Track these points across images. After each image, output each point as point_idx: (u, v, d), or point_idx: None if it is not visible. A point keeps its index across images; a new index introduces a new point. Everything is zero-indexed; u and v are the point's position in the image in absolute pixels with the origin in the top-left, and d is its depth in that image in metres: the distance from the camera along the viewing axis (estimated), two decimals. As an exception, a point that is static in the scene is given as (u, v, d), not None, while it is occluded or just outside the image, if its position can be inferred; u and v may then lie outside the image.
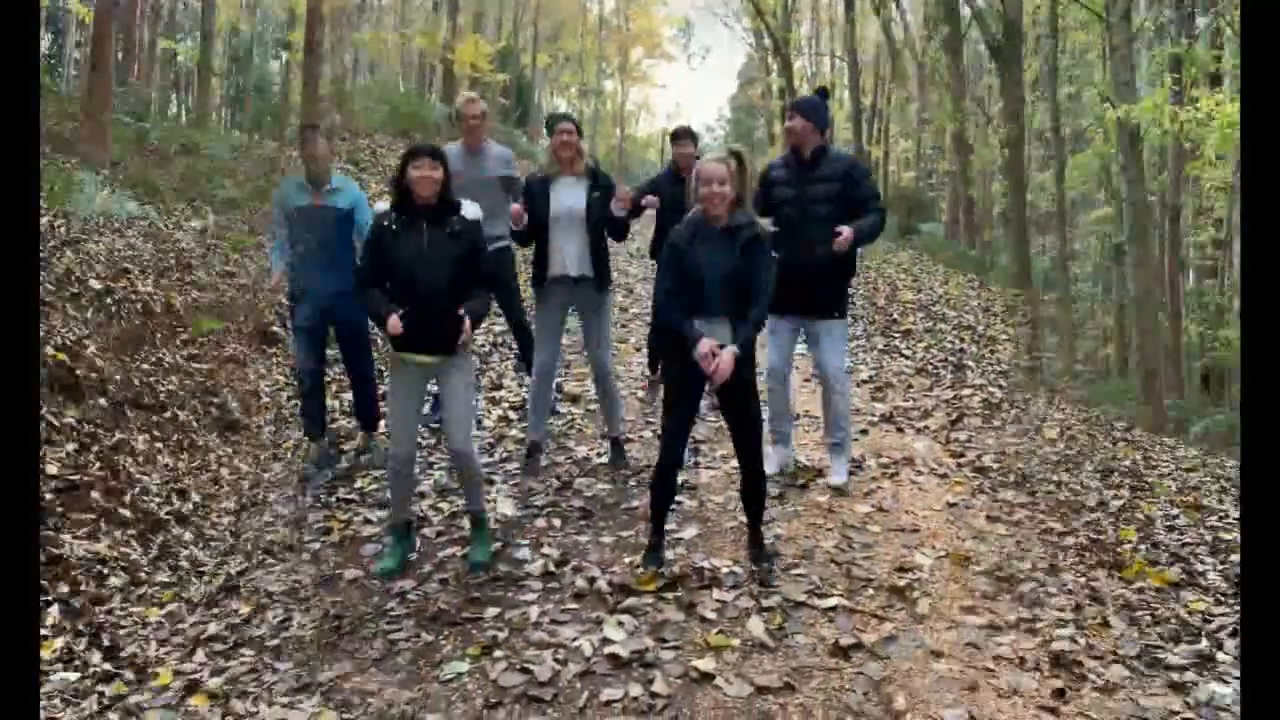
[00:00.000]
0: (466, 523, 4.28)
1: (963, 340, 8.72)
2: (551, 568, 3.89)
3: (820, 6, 41.88)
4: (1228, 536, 5.29)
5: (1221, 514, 5.79)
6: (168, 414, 6.73)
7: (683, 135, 6.31)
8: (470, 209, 4.01)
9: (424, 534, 4.76)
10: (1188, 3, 18.14)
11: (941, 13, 18.71)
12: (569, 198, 4.97)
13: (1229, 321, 18.64)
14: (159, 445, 6.37)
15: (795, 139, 4.94)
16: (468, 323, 3.82)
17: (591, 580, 3.74)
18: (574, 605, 3.60)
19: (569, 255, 4.96)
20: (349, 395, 6.24)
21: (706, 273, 3.68)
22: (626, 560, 3.92)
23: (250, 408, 7.75)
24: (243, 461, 6.97)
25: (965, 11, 18.18)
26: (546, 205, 4.95)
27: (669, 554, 3.94)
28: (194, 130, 18.87)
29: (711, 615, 3.47)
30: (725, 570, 3.79)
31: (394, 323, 3.73)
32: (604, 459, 5.25)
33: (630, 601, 3.54)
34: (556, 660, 3.48)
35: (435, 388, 4.44)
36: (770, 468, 5.24)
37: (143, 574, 5.03)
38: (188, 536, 5.61)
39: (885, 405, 6.35)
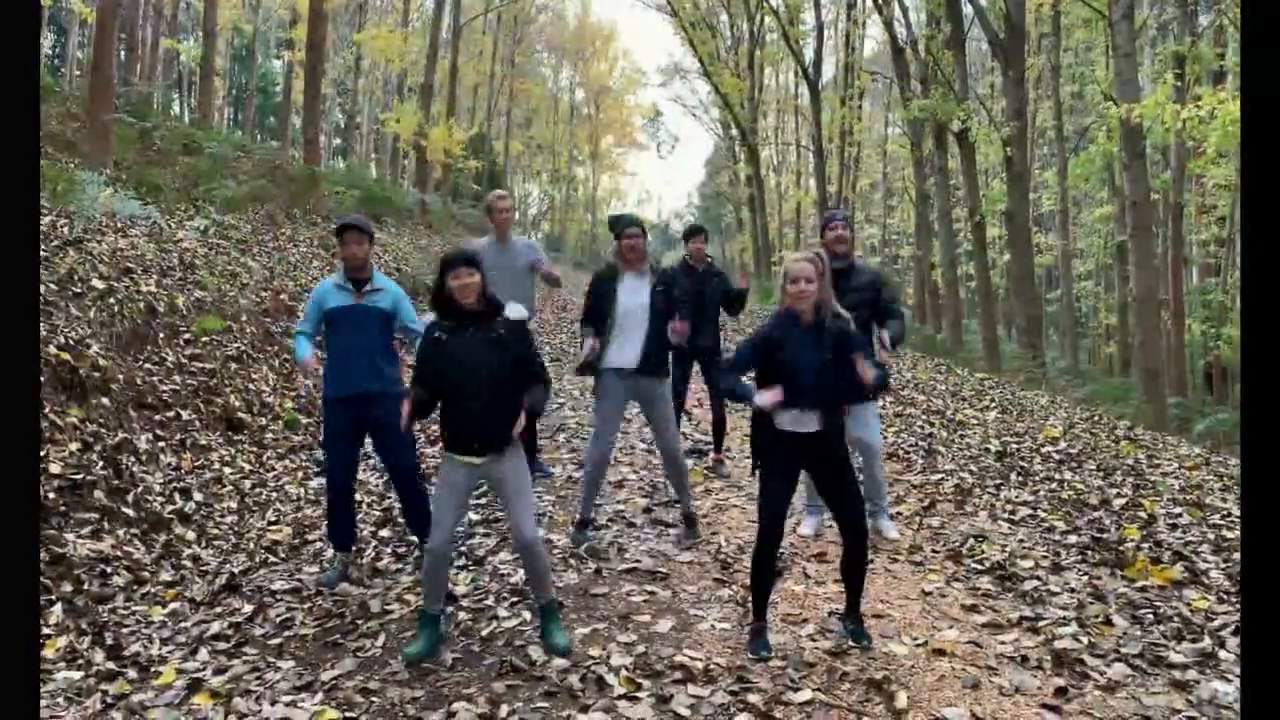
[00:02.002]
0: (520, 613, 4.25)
1: (932, 425, 8.69)
2: (521, 663, 3.84)
3: (786, 98, 42.74)
4: (1230, 535, 5.28)
5: (1224, 512, 5.79)
6: (170, 413, 6.75)
7: (696, 232, 6.83)
8: (514, 310, 4.10)
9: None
10: (1190, 1, 18.10)
11: (944, 11, 18.69)
12: (635, 295, 5.19)
13: (1232, 320, 18.62)
14: (162, 445, 6.38)
15: (844, 247, 5.33)
16: (522, 415, 3.93)
17: (563, 675, 3.70)
18: (544, 704, 3.55)
19: (633, 349, 5.15)
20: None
21: (800, 368, 3.82)
22: (594, 653, 3.86)
23: (253, 407, 7.76)
24: (245, 461, 6.98)
25: (968, 10, 18.17)
26: (614, 301, 5.18)
27: (641, 648, 3.90)
28: (196, 130, 18.89)
29: (685, 712, 3.43)
30: (700, 665, 3.75)
31: (406, 407, 3.86)
32: (577, 546, 5.20)
33: (602, 701, 3.50)
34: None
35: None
36: (807, 530, 5.45)
37: (146, 573, 5.04)
38: (190, 535, 5.62)
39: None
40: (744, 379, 3.97)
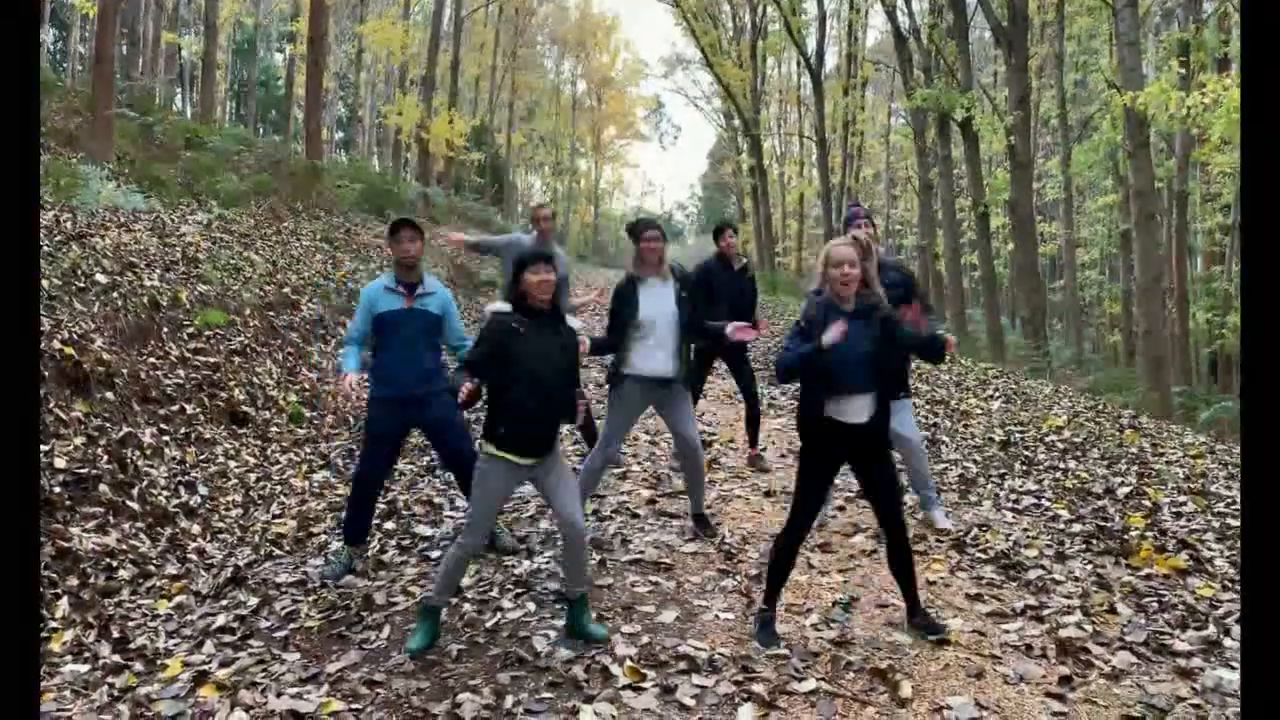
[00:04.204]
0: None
1: (936, 415, 8.66)
2: (526, 655, 3.83)
3: (788, 88, 42.66)
4: (1235, 523, 5.27)
5: (1229, 500, 5.78)
6: (175, 407, 6.76)
7: (725, 227, 6.85)
8: (573, 321, 4.11)
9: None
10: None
11: (947, -1, 18.66)
12: (658, 301, 5.05)
13: (1237, 308, 18.55)
14: (166, 438, 6.39)
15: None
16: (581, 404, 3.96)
17: (568, 666, 3.70)
18: (548, 694, 3.55)
19: (657, 356, 5.01)
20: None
21: (846, 356, 3.76)
22: (598, 645, 3.86)
23: (256, 401, 7.77)
24: (249, 454, 7.00)
25: (971, -2, 18.13)
26: (635, 308, 5.02)
27: (646, 638, 3.90)
28: (198, 124, 18.89)
29: (690, 702, 3.43)
30: (704, 655, 3.75)
31: (465, 390, 3.75)
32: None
33: (607, 691, 3.50)
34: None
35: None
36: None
37: (151, 566, 5.06)
38: (195, 529, 5.63)
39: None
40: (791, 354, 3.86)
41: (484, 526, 3.90)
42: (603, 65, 55.70)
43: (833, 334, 3.66)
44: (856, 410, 3.81)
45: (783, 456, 7.07)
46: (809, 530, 3.96)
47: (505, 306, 3.96)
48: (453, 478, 5.54)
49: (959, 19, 18.53)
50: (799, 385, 3.98)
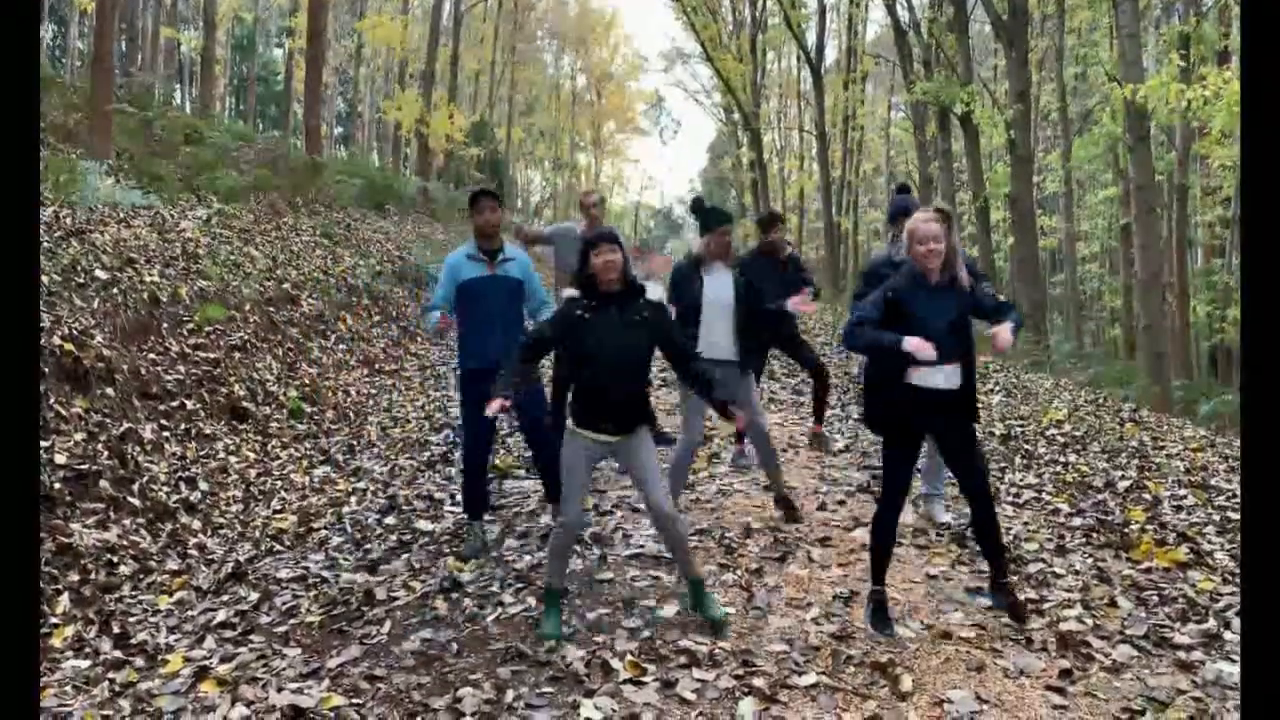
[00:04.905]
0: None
1: None
2: (526, 649, 3.84)
3: (789, 82, 42.59)
4: (1235, 516, 5.27)
5: (1229, 494, 5.78)
6: (175, 403, 6.76)
7: (775, 220, 6.69)
8: (653, 290, 4.14)
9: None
10: (1195, -20, 17.98)
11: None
12: (720, 287, 5.18)
13: (1237, 301, 18.55)
14: (167, 434, 6.40)
15: None
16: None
17: (568, 661, 3.71)
18: (549, 689, 3.56)
19: (718, 339, 5.14)
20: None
21: (931, 325, 3.81)
22: (599, 639, 3.86)
23: (257, 396, 7.78)
24: (250, 450, 7.00)
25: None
26: (699, 292, 5.15)
27: (646, 633, 3.90)
28: (198, 119, 18.86)
29: (691, 696, 3.43)
30: (705, 650, 3.75)
31: (495, 406, 3.81)
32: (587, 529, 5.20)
33: (608, 685, 3.50)
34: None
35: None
36: (943, 517, 5.40)
37: (152, 562, 5.06)
38: (196, 525, 5.64)
39: (863, 475, 6.33)
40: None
41: (576, 502, 3.95)
42: (602, 60, 55.64)
43: (914, 344, 3.70)
44: (943, 378, 3.85)
45: (782, 451, 7.06)
46: (903, 506, 4.01)
47: (575, 292, 4.00)
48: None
49: (959, 12, 18.49)
50: (868, 361, 4.08)
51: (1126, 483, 6.06)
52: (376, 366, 10.62)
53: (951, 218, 3.94)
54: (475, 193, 5.02)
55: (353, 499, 6.23)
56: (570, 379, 4.07)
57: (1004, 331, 3.80)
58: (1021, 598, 4.09)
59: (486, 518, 5.51)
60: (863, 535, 5.16)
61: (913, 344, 3.71)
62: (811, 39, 29.54)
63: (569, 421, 3.98)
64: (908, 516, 5.46)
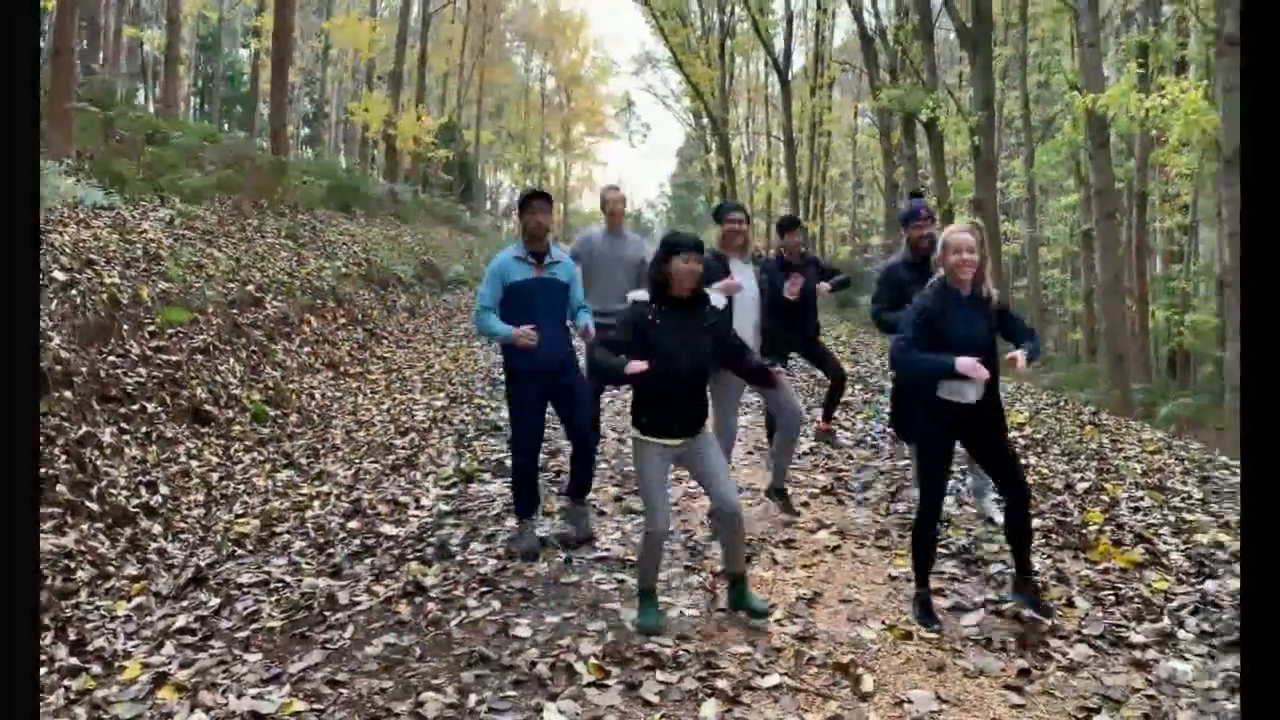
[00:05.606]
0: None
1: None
2: (490, 653, 3.83)
3: (756, 88, 42.93)
4: (1190, 517, 5.37)
5: (1184, 495, 5.88)
6: (135, 406, 6.67)
7: (793, 224, 6.53)
8: (717, 299, 4.24)
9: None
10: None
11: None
12: (743, 280, 5.21)
13: (1195, 306, 18.89)
14: (127, 438, 6.31)
15: (930, 241, 5.29)
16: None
17: (532, 664, 3.72)
18: (513, 693, 3.52)
19: (744, 332, 5.12)
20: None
21: (969, 340, 3.90)
22: (563, 642, 3.87)
23: (219, 399, 7.69)
24: (212, 453, 6.92)
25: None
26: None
27: (611, 636, 3.91)
28: (161, 119, 18.61)
29: (654, 699, 3.44)
30: (669, 652, 3.76)
31: (634, 365, 3.79)
32: (546, 530, 5.20)
33: (571, 689, 3.50)
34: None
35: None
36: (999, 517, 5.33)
37: (110, 567, 4.99)
38: (156, 529, 5.57)
39: (826, 477, 6.38)
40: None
41: (664, 508, 3.97)
42: (572, 63, 55.60)
43: (972, 370, 3.78)
44: (971, 391, 3.95)
45: (750, 453, 7.10)
46: (942, 509, 4.14)
47: (644, 295, 4.02)
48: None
49: (924, 20, 18.71)
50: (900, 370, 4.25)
51: (1085, 485, 6.15)
52: (342, 369, 10.54)
53: (984, 230, 4.03)
54: (526, 194, 5.02)
55: (316, 503, 6.18)
56: (633, 387, 4.07)
57: (1021, 358, 3.95)
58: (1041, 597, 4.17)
59: (451, 522, 5.50)
60: (826, 537, 5.20)
61: (965, 365, 3.79)
62: (779, 45, 29.76)
63: (635, 432, 4.01)
64: (861, 516, 5.52)
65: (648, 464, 3.96)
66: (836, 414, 7.50)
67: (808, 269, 6.37)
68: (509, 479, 6.25)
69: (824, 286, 6.00)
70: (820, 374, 6.94)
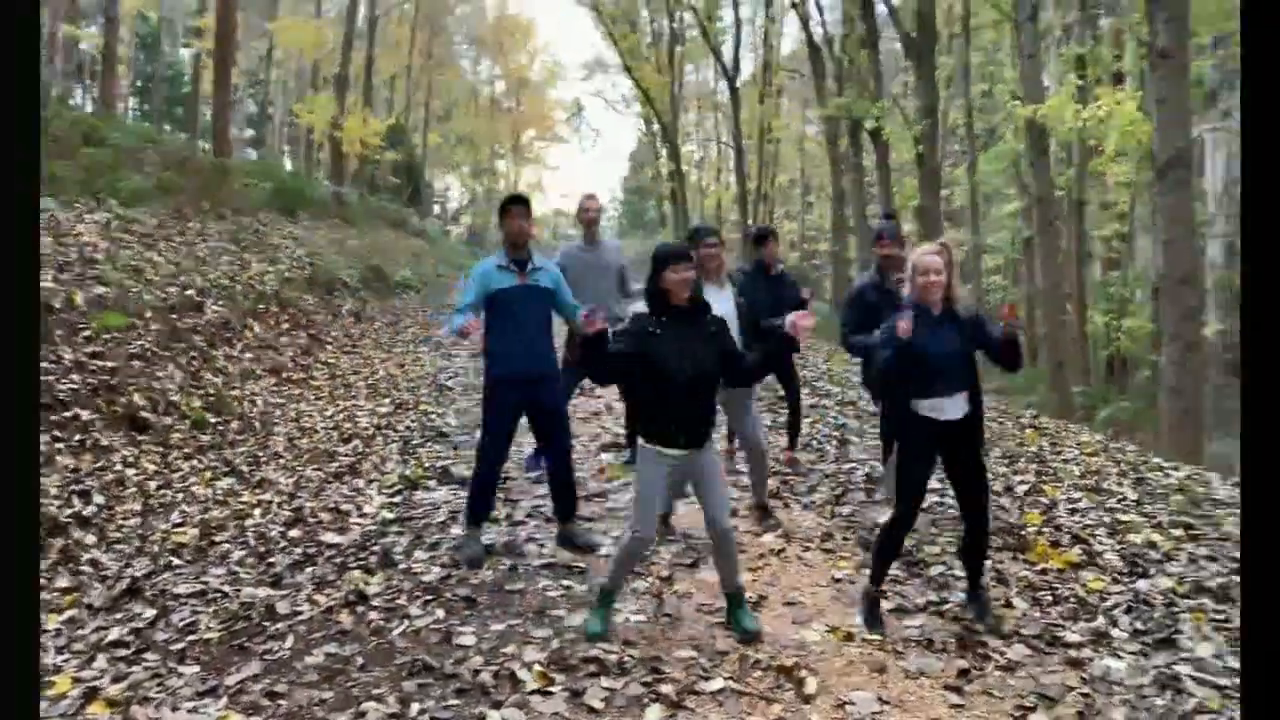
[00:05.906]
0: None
1: (845, 416, 8.84)
2: (433, 662, 3.82)
3: (706, 94, 43.34)
4: (1125, 518, 5.49)
5: (1120, 496, 6.01)
6: (69, 413, 6.50)
7: (768, 235, 6.46)
8: (718, 307, 4.22)
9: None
10: (1091, 4, 18.75)
11: (858, 10, 19.04)
12: (718, 305, 5.03)
13: (1133, 311, 19.35)
14: (59, 445, 6.14)
15: (895, 264, 5.30)
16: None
17: (475, 673, 3.63)
18: (456, 701, 3.44)
19: None
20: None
21: (932, 355, 3.96)
22: (508, 650, 3.84)
23: (158, 406, 7.52)
24: (149, 461, 6.77)
25: (881, 9, 18.55)
26: None
27: (555, 643, 3.90)
28: (98, 119, 18.17)
29: (599, 705, 3.43)
30: (614, 658, 3.76)
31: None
32: (491, 538, 5.15)
33: (515, 697, 3.48)
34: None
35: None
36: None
37: (41, 580, 4.85)
38: (90, 539, 5.43)
39: (772, 481, 6.41)
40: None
41: (649, 517, 3.94)
42: (520, 66, 55.36)
43: (904, 326, 3.86)
44: (951, 408, 4.03)
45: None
46: (916, 519, 4.19)
47: (641, 307, 4.03)
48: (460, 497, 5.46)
49: (870, 30, 18.95)
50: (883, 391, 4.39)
51: (1025, 487, 6.27)
52: (285, 375, 10.36)
53: (951, 251, 4.12)
54: (506, 200, 4.96)
55: (257, 511, 6.07)
56: (639, 395, 4.11)
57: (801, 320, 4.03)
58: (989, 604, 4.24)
59: (395, 530, 5.43)
60: (772, 540, 5.23)
61: (901, 327, 3.87)
62: (728, 52, 29.96)
63: (640, 441, 4.00)
64: (807, 520, 5.56)
65: (647, 469, 3.96)
66: (785, 420, 7.51)
67: (785, 285, 6.28)
68: (454, 485, 6.24)
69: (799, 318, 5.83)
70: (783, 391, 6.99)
